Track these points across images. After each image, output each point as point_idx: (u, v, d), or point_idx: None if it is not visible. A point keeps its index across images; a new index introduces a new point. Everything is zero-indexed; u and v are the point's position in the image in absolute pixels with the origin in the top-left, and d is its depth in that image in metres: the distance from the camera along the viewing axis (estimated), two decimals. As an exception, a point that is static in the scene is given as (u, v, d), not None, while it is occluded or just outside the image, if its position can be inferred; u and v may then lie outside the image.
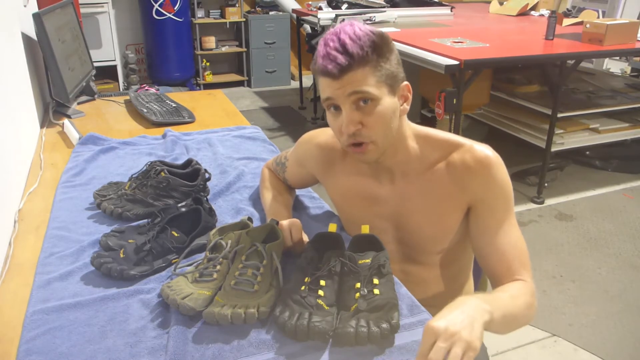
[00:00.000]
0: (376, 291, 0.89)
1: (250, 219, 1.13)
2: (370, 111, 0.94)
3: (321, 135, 1.20)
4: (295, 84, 5.55)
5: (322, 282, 0.92)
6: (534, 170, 3.40)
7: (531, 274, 1.01)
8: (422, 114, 3.76)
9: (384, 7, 4.19)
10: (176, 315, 0.91)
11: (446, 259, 1.14)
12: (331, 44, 0.91)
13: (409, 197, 1.08)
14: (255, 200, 1.36)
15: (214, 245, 1.02)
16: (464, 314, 0.76)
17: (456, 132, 2.65)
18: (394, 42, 0.98)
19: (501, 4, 4.69)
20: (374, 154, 0.99)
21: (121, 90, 5.00)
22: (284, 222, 1.09)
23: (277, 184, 1.31)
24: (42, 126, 1.90)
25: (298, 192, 1.38)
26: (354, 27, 0.93)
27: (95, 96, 2.25)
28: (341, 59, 0.90)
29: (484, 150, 1.02)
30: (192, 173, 1.34)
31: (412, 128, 1.06)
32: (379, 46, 0.92)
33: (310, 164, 1.22)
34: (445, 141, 1.06)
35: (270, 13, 5.54)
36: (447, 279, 1.18)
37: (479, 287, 1.35)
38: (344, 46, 0.90)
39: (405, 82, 0.99)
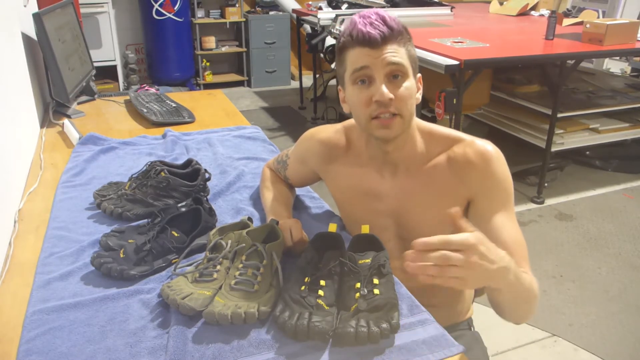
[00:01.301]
0: (376, 291, 0.89)
1: (250, 219, 1.13)
2: (399, 85, 0.98)
3: (323, 132, 1.20)
4: (295, 84, 5.55)
5: (322, 282, 0.92)
6: (534, 170, 3.40)
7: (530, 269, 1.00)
8: (422, 114, 3.75)
9: (384, 7, 4.19)
10: (176, 315, 0.91)
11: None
12: (372, 16, 0.97)
13: (411, 193, 1.08)
14: (255, 200, 1.36)
15: (214, 245, 1.02)
16: (502, 263, 0.78)
17: (456, 132, 2.64)
18: None
19: (501, 4, 4.69)
20: (398, 128, 1.00)
21: (121, 90, 5.01)
22: (284, 222, 1.09)
23: (277, 184, 1.31)
24: (42, 126, 1.90)
25: (298, 192, 1.38)
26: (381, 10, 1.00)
27: (95, 96, 2.24)
28: (384, 28, 0.96)
29: (485, 144, 1.03)
30: (192, 173, 1.33)
31: (416, 123, 1.08)
32: (406, 29, 1.00)
33: (312, 161, 1.22)
34: (447, 136, 1.07)
35: (270, 13, 5.55)
36: (448, 278, 1.18)
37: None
38: (384, 19, 0.97)
39: (419, 74, 1.04)
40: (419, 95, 1.03)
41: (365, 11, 0.99)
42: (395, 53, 0.96)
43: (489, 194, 1.02)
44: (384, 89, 0.96)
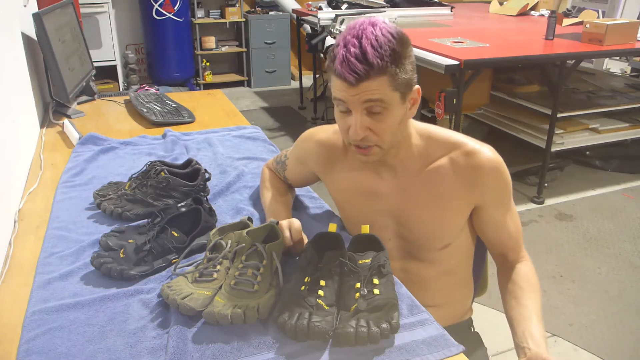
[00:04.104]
0: (376, 291, 0.89)
1: (250, 219, 1.13)
2: (380, 119, 0.95)
3: (321, 133, 1.20)
4: (295, 84, 5.55)
5: (322, 282, 0.92)
6: (534, 170, 3.40)
7: None
8: (422, 114, 3.75)
9: (384, 7, 4.19)
10: (176, 315, 0.91)
11: (446, 257, 1.14)
12: (352, 49, 0.88)
13: (411, 193, 1.08)
14: (255, 200, 1.36)
15: (214, 245, 1.02)
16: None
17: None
18: None
19: (501, 4, 4.69)
20: (376, 157, 1.02)
21: (121, 90, 5.01)
22: (284, 222, 1.09)
23: (277, 184, 1.31)
24: (42, 126, 1.90)
25: (298, 192, 1.38)
26: (376, 29, 0.90)
27: (95, 96, 2.25)
28: (360, 68, 0.88)
29: (489, 152, 1.04)
30: (192, 173, 1.34)
31: (414, 126, 1.07)
32: (398, 54, 0.90)
33: (310, 161, 1.22)
34: (447, 139, 1.07)
35: (270, 13, 5.55)
36: (447, 278, 1.18)
37: (479, 288, 1.35)
38: (364, 54, 0.88)
39: (417, 87, 0.98)
40: (414, 109, 1.00)
41: (351, 34, 0.90)
42: (374, 90, 0.90)
43: (498, 200, 1.08)
44: (358, 128, 0.94)
